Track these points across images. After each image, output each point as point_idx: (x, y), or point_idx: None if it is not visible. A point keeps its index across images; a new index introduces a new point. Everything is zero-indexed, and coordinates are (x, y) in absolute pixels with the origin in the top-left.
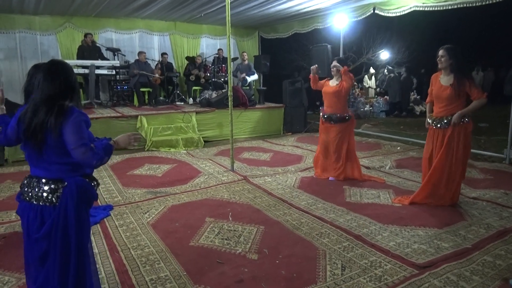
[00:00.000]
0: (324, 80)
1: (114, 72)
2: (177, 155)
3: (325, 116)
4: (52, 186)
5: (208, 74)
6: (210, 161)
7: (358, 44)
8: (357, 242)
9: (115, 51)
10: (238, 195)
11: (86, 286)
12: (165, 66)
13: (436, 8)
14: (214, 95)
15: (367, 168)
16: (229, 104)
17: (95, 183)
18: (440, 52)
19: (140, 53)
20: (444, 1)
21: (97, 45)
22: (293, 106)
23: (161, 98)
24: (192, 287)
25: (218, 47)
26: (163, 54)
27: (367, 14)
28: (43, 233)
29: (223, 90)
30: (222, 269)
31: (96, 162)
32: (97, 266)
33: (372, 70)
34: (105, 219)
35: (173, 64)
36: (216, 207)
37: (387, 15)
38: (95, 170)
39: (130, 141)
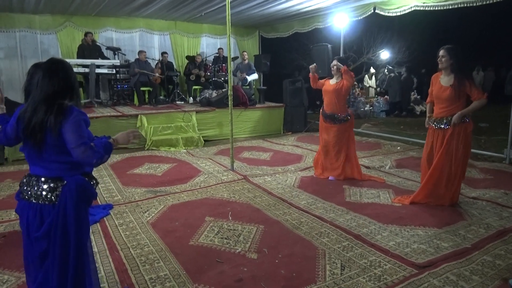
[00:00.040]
0: (324, 80)
1: (114, 71)
2: (177, 154)
3: (325, 114)
4: (51, 184)
5: (209, 74)
6: (210, 161)
7: (359, 43)
8: (356, 241)
9: (115, 50)
10: (238, 195)
11: (85, 285)
12: (165, 65)
13: (436, 8)
14: (214, 94)
15: (367, 167)
16: (229, 103)
17: (94, 181)
18: (441, 52)
19: (140, 52)
20: (445, 1)
21: (98, 44)
22: (293, 106)
23: (161, 97)
24: (191, 286)
25: (218, 47)
26: (163, 53)
27: (368, 14)
28: (43, 232)
29: (223, 90)
30: (221, 268)
31: (96, 161)
32: (97, 265)
33: (372, 70)
34: (104, 218)
35: (173, 64)
36: (216, 206)
37: (388, 14)
38: (94, 169)
39: (129, 138)
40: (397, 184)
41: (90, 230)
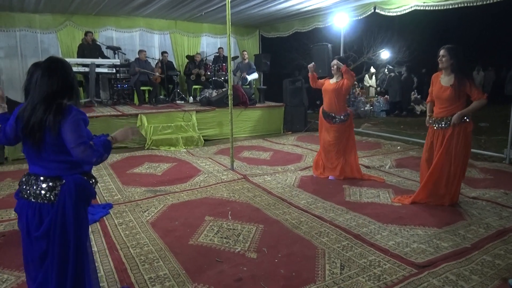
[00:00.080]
0: (324, 79)
1: (114, 71)
2: (177, 153)
3: (324, 114)
4: (50, 183)
5: (209, 73)
6: (210, 160)
7: (359, 43)
8: (356, 241)
9: (115, 50)
10: (237, 194)
11: (84, 284)
12: (165, 64)
13: (436, 8)
14: (214, 94)
15: (367, 167)
16: (229, 103)
17: (93, 180)
18: (441, 52)
19: (140, 51)
20: (445, 1)
21: (98, 43)
22: (293, 105)
23: (161, 96)
24: (191, 285)
25: (219, 46)
26: (163, 52)
27: (368, 13)
28: (42, 231)
29: (223, 89)
30: (221, 268)
31: (96, 160)
32: (96, 264)
33: (372, 70)
34: (104, 218)
35: (174, 63)
36: (215, 205)
37: (388, 14)
38: (94, 169)
39: (128, 135)
40: (397, 184)
41: (90, 229)
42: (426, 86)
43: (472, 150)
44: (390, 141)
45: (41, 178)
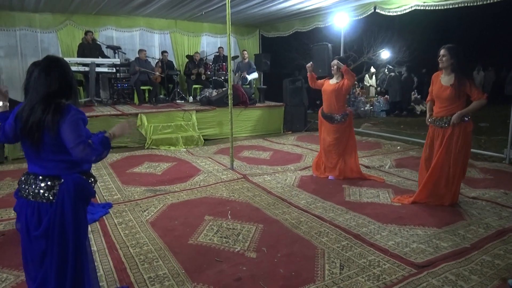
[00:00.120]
0: (324, 79)
1: (114, 70)
2: (177, 153)
3: (323, 114)
4: (49, 183)
5: (209, 73)
6: (210, 160)
7: (359, 43)
8: (356, 241)
9: (115, 49)
10: (237, 194)
11: (84, 283)
12: (165, 64)
13: (437, 8)
14: (214, 93)
15: (367, 167)
16: (229, 102)
17: (92, 180)
18: (441, 52)
19: (140, 51)
20: (445, 1)
21: (98, 43)
22: (293, 105)
23: (161, 96)
24: (190, 285)
25: (219, 45)
26: (163, 52)
27: (368, 13)
28: (42, 231)
29: (223, 89)
30: (220, 267)
31: (96, 158)
32: (96, 264)
33: (372, 69)
34: (104, 217)
35: (174, 62)
36: (215, 205)
37: (388, 14)
38: (94, 168)
39: (125, 129)
40: (396, 184)
41: (89, 229)
42: (426, 86)
43: (472, 150)
44: (390, 141)
45: (40, 177)
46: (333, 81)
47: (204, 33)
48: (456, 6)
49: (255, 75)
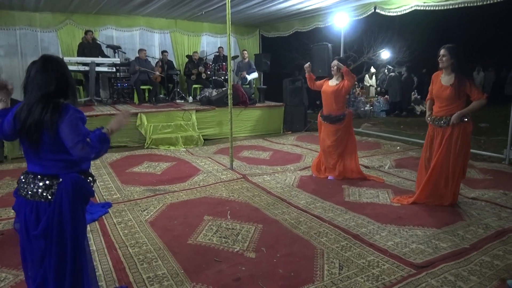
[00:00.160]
0: (323, 80)
1: (114, 70)
2: (177, 153)
3: (323, 116)
4: (47, 182)
5: (209, 72)
6: (210, 159)
7: (359, 43)
8: (355, 241)
9: (115, 49)
10: (237, 194)
11: (83, 283)
12: (165, 64)
13: (437, 8)
14: (214, 93)
15: (367, 167)
16: (229, 102)
17: (91, 179)
18: (442, 52)
19: (140, 50)
20: (445, 1)
21: (98, 42)
22: (293, 105)
23: (161, 96)
24: (189, 285)
25: (219, 45)
26: (163, 52)
27: (368, 13)
28: (40, 230)
29: (223, 88)
30: (219, 267)
31: (95, 156)
32: (95, 263)
33: (372, 70)
34: (103, 217)
35: (174, 62)
36: (214, 205)
37: (388, 14)
38: (94, 168)
39: (121, 121)
40: (396, 184)
41: (88, 228)
42: (426, 86)
43: (472, 150)
44: (390, 141)
45: (38, 176)
46: (333, 82)
47: (204, 33)
48: (456, 6)
49: (255, 75)
